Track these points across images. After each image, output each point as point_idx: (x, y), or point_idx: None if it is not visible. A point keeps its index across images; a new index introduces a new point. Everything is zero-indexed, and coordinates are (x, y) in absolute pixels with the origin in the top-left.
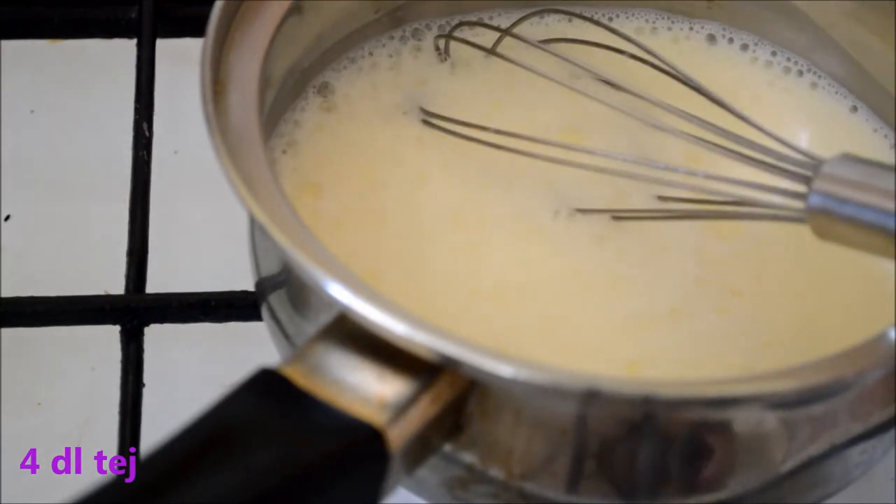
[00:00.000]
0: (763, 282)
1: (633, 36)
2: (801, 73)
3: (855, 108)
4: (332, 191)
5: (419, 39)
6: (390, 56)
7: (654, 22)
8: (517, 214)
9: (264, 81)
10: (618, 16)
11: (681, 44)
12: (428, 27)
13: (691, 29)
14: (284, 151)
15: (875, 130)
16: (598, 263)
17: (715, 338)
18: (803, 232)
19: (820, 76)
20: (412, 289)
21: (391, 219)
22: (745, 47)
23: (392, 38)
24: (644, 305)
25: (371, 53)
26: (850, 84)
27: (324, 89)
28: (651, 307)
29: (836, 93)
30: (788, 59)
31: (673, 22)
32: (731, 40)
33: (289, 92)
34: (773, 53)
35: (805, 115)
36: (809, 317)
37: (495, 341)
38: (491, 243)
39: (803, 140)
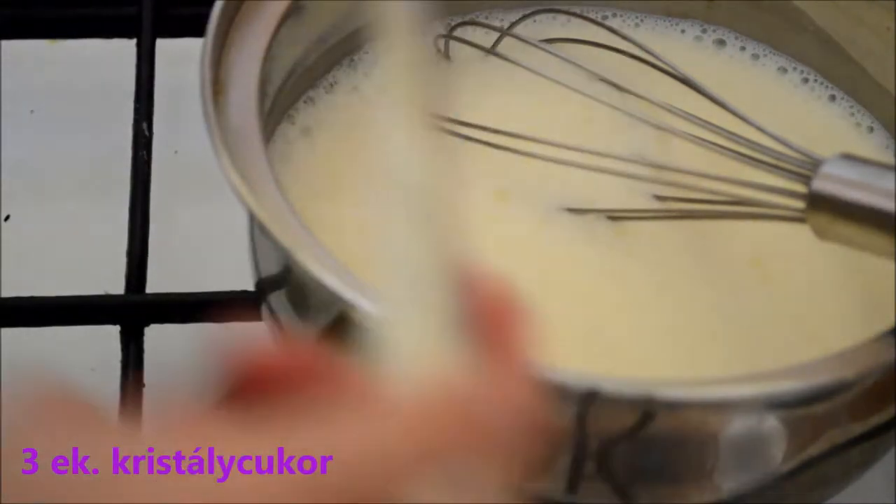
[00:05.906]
0: (763, 282)
1: (633, 35)
2: (801, 74)
3: (854, 108)
4: (331, 190)
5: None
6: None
7: (653, 22)
8: (518, 213)
9: (264, 81)
10: (617, 15)
11: (680, 44)
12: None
13: (690, 29)
14: (284, 151)
15: (871, 129)
16: (596, 263)
17: (714, 338)
18: (803, 232)
19: (818, 76)
20: None
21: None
22: (743, 48)
23: None
24: (642, 306)
25: (371, 53)
26: (849, 84)
27: (324, 89)
28: (650, 308)
29: (836, 93)
30: (788, 60)
31: (672, 22)
32: (730, 41)
33: (289, 92)
34: (773, 54)
35: (803, 115)
36: (809, 317)
37: None
38: (491, 242)
39: (801, 139)
